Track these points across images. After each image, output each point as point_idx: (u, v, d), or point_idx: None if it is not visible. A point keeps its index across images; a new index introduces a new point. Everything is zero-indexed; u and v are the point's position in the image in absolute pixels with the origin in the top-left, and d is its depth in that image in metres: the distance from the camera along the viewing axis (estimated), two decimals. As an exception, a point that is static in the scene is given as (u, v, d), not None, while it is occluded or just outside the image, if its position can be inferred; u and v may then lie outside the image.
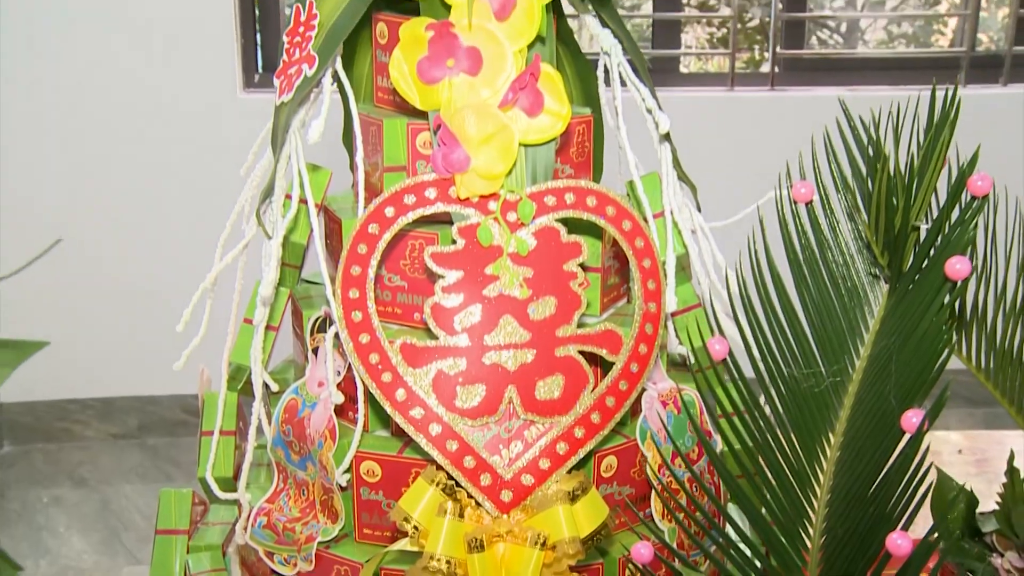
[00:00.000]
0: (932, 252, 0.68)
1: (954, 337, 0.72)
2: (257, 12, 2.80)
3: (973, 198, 0.68)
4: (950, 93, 0.71)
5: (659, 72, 2.96)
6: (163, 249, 2.76)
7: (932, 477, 0.68)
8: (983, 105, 2.90)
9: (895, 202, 0.68)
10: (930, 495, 0.84)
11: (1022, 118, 2.85)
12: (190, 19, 2.65)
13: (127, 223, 2.76)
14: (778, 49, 2.94)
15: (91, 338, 2.77)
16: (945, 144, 0.69)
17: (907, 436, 0.64)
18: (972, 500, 0.94)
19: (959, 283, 0.65)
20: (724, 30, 2.95)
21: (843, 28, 3.68)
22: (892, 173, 0.69)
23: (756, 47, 3.44)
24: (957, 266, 0.64)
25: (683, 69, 3.17)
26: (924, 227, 0.69)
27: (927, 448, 0.60)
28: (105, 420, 3.02)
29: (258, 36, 2.83)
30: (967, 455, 1.44)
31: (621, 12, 3.23)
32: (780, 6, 2.90)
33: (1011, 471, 0.88)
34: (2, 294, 2.47)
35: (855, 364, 0.71)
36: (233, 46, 2.71)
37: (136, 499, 2.72)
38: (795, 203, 0.74)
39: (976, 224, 0.67)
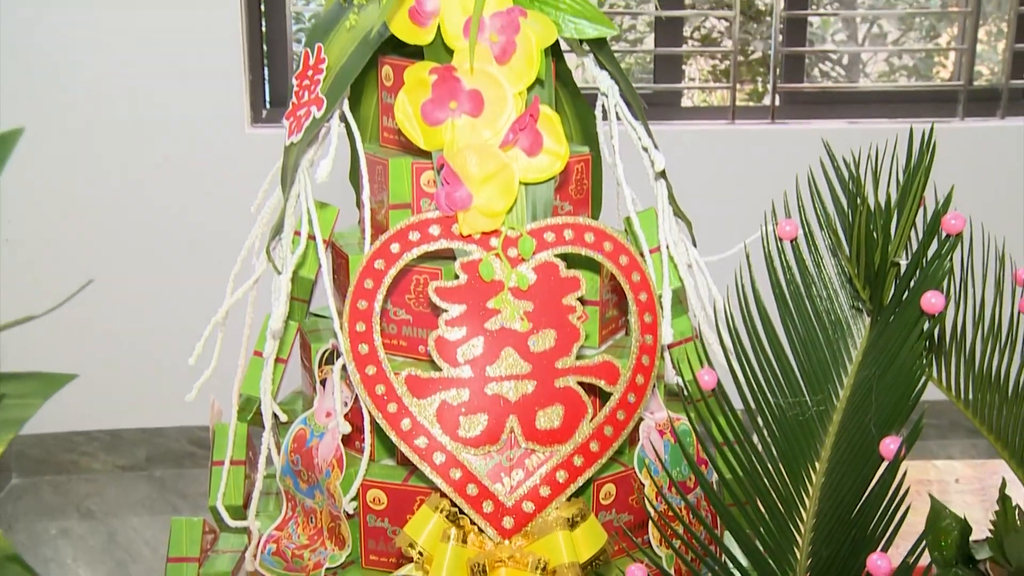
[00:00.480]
0: (910, 286, 0.72)
1: (933, 366, 0.75)
2: (265, 48, 2.84)
3: (947, 235, 0.72)
4: (926, 133, 0.75)
5: (661, 105, 3.00)
6: (170, 282, 2.79)
7: (911, 500, 0.71)
8: (981, 138, 2.94)
9: (875, 237, 0.72)
10: (925, 522, 0.87)
11: (1020, 150, 2.88)
12: (199, 55, 2.69)
13: (134, 257, 2.79)
14: (779, 83, 2.98)
15: (98, 371, 2.80)
16: (922, 183, 0.73)
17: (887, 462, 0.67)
18: (965, 528, 0.96)
19: (935, 316, 0.68)
20: (727, 62, 2.99)
21: (845, 60, 3.71)
22: (872, 210, 0.72)
23: (759, 79, 3.48)
24: (932, 300, 0.68)
25: (685, 102, 3.21)
26: (903, 263, 0.72)
27: (904, 472, 0.63)
28: (112, 452, 3.04)
29: (266, 72, 2.87)
30: (964, 484, 1.47)
31: (623, 46, 3.27)
32: (780, 40, 2.94)
33: (1003, 499, 0.91)
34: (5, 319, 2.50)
35: (839, 394, 0.74)
36: (242, 82, 2.74)
37: (143, 531, 2.73)
38: (780, 240, 0.78)
39: (951, 259, 0.71)
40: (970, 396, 0.74)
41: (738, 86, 2.99)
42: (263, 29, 2.83)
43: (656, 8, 3.00)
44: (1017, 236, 2.84)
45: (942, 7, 3.46)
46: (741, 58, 3.47)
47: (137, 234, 2.78)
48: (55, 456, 2.98)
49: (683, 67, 3.38)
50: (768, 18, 2.97)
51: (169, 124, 2.72)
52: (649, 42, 3.29)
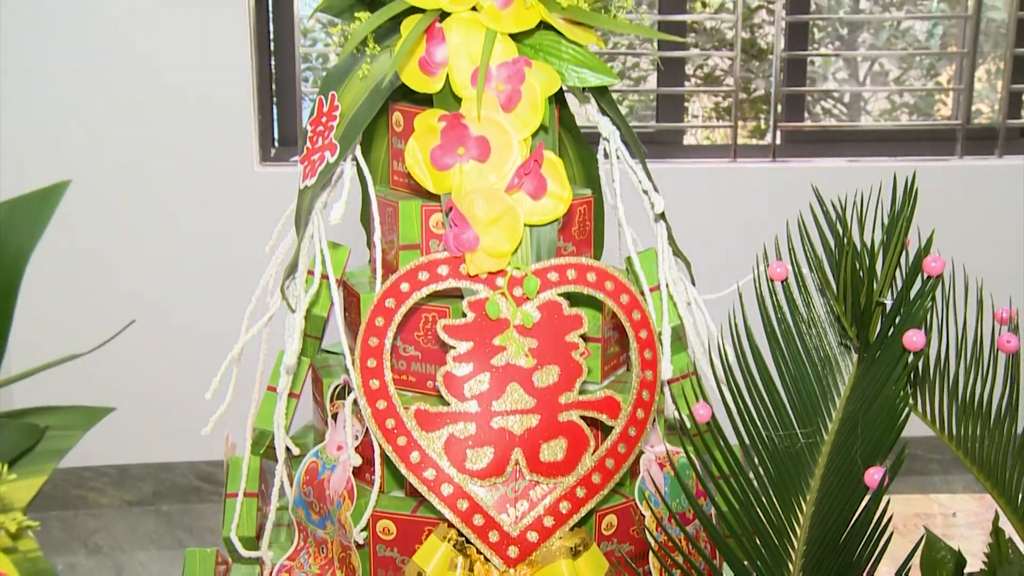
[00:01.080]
0: (895, 325, 0.75)
1: (918, 400, 0.79)
2: (274, 87, 2.89)
3: (929, 277, 0.75)
4: (909, 180, 0.79)
5: (663, 144, 3.04)
6: (178, 319, 2.82)
7: (910, 533, 0.74)
8: (979, 176, 2.98)
9: (862, 276, 0.76)
10: (919, 555, 0.90)
11: (1017, 188, 2.92)
12: (210, 95, 2.73)
13: (141, 293, 2.82)
14: (779, 121, 3.02)
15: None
16: (904, 228, 0.76)
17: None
18: (960, 560, 0.99)
19: (917, 352, 0.72)
20: (729, 100, 3.04)
21: (847, 98, 3.75)
22: (859, 250, 0.76)
23: (762, 116, 3.52)
24: (914, 339, 0.71)
25: (688, 140, 3.25)
26: (888, 302, 0.76)
27: (888, 501, 0.67)
28: (120, 487, 3.05)
29: (275, 111, 2.92)
30: (963, 518, 1.50)
31: (627, 84, 3.31)
32: (781, 79, 2.98)
33: (996, 531, 0.94)
34: (13, 362, 2.53)
35: (828, 427, 0.78)
36: (251, 121, 2.79)
37: (150, 566, 2.75)
38: (772, 281, 0.82)
39: (934, 297, 0.74)
40: (953, 427, 0.78)
41: (741, 123, 3.03)
42: (272, 70, 2.88)
43: (657, 49, 3.05)
44: (1015, 271, 2.87)
45: (941, 47, 3.51)
46: (744, 95, 3.52)
47: (146, 270, 2.81)
48: (63, 491, 3.00)
49: (686, 104, 3.42)
50: (770, 56, 3.01)
51: (180, 162, 2.76)
52: (652, 81, 3.34)
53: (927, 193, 2.91)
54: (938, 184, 2.94)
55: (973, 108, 3.32)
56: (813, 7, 3.25)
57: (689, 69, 3.58)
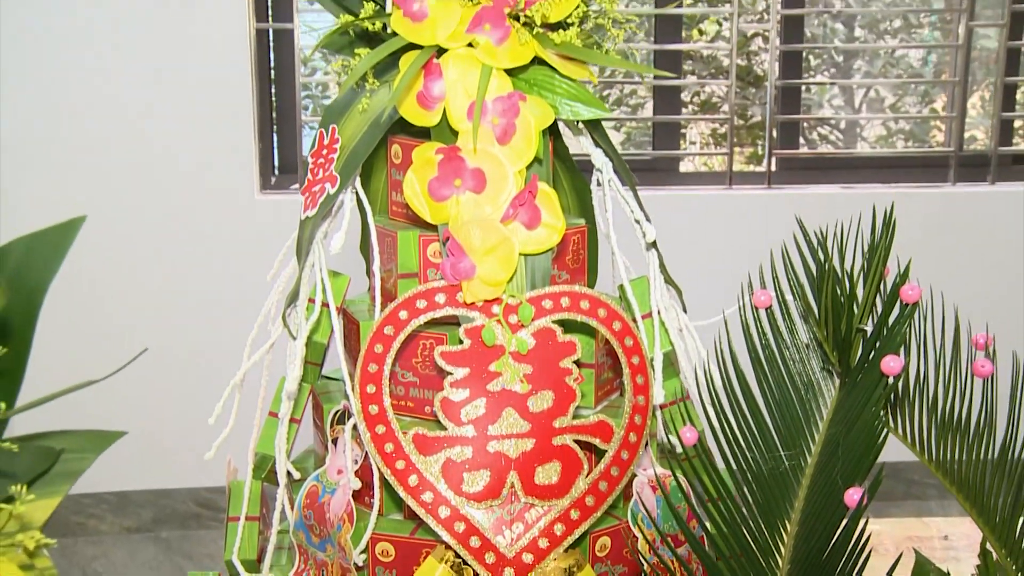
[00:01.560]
0: (874, 350, 0.78)
1: (899, 422, 0.82)
2: (275, 116, 2.92)
3: (905, 304, 0.78)
4: (888, 212, 0.82)
5: (660, 171, 3.07)
6: (178, 345, 2.84)
7: (902, 556, 0.77)
8: (972, 202, 3.01)
9: (842, 302, 0.79)
10: None
11: (1009, 215, 2.95)
12: (211, 123, 2.76)
13: (142, 319, 2.85)
14: (774, 148, 3.05)
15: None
16: (882, 258, 0.79)
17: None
18: (950, 582, 1.02)
19: (896, 376, 0.75)
20: (726, 126, 3.07)
21: (843, 124, 3.79)
22: (840, 276, 0.79)
23: (759, 142, 3.56)
24: (891, 364, 0.74)
25: (685, 166, 3.28)
26: (868, 329, 0.79)
27: (867, 520, 0.70)
28: (119, 514, 3.06)
29: (275, 139, 2.95)
30: (956, 540, 1.52)
31: (625, 111, 3.35)
32: (775, 107, 3.01)
33: (984, 553, 0.96)
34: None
35: (811, 449, 0.80)
36: (252, 150, 2.82)
37: (149, 593, 2.76)
38: (756, 308, 0.85)
39: (909, 325, 0.77)
40: (932, 446, 0.80)
41: (739, 149, 3.06)
42: (273, 99, 2.92)
43: (653, 77, 3.08)
44: (1007, 296, 2.90)
45: (935, 75, 3.55)
46: (741, 121, 3.55)
47: (145, 297, 2.84)
48: (63, 518, 3.01)
49: (684, 131, 3.45)
50: (766, 84, 3.05)
51: (181, 190, 2.79)
52: (649, 107, 3.37)
53: (921, 219, 2.95)
54: (931, 210, 2.97)
55: (968, 135, 3.35)
56: (808, 35, 3.29)
57: (686, 96, 3.62)
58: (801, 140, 3.28)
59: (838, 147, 3.73)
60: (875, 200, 2.94)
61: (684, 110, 3.46)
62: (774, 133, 3.04)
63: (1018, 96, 3.25)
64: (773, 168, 3.06)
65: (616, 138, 3.64)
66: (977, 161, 3.09)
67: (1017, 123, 3.25)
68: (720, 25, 3.61)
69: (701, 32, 3.74)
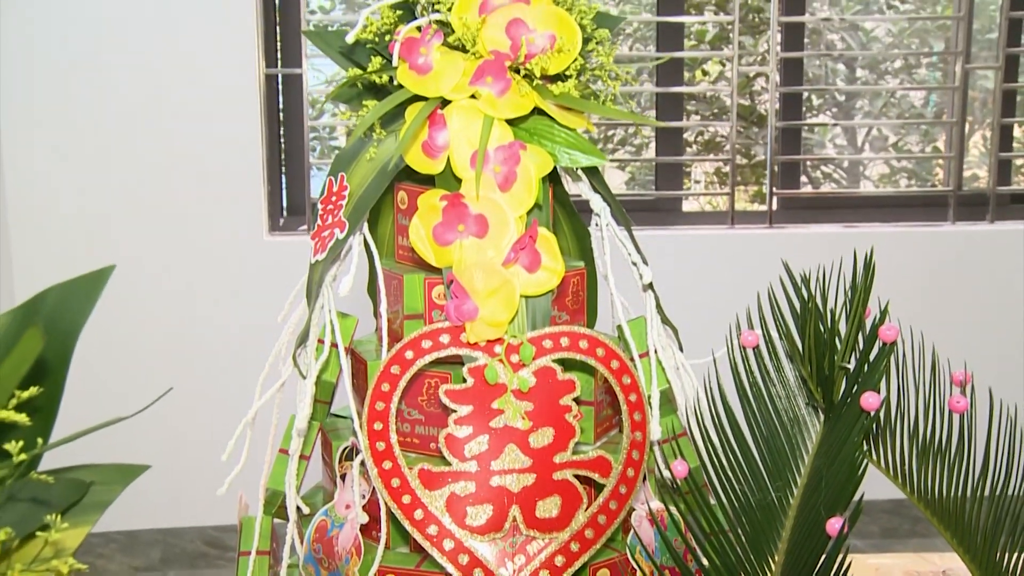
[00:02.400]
0: (856, 387, 0.82)
1: (881, 453, 0.86)
2: (283, 158, 2.98)
3: (884, 344, 0.82)
4: (869, 254, 0.86)
5: (662, 211, 3.12)
6: (186, 384, 2.88)
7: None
8: (971, 241, 3.05)
9: (825, 341, 0.83)
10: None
11: (1008, 253, 2.99)
12: (221, 166, 2.82)
13: (151, 360, 2.88)
14: (775, 188, 3.09)
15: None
16: (863, 299, 0.83)
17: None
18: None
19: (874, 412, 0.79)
20: (729, 166, 3.12)
21: (845, 163, 3.83)
22: (825, 316, 0.83)
23: (763, 181, 3.61)
24: (869, 400, 0.78)
25: (688, 205, 3.32)
26: (851, 366, 0.83)
27: (848, 548, 0.73)
28: (128, 553, 3.08)
29: (284, 181, 3.00)
30: (952, 574, 1.55)
31: (628, 151, 3.39)
32: (776, 147, 3.06)
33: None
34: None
35: (797, 482, 0.84)
36: (261, 192, 2.87)
37: (157, 633, 2.77)
38: (744, 348, 0.89)
39: (895, 362, 0.82)
40: (913, 473, 0.84)
41: (743, 188, 3.10)
42: (282, 142, 2.97)
43: (656, 119, 3.13)
44: (1005, 333, 2.93)
45: (936, 115, 3.60)
46: (745, 160, 3.60)
47: (155, 336, 2.88)
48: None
49: (688, 170, 3.50)
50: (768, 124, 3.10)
51: (191, 232, 2.84)
52: (653, 147, 3.43)
53: (921, 257, 2.99)
54: (931, 248, 3.02)
55: (969, 174, 3.40)
56: (810, 75, 3.34)
57: (690, 136, 3.67)
58: (805, 178, 3.32)
59: (841, 185, 3.77)
60: (876, 239, 2.99)
61: (688, 149, 3.51)
62: (776, 172, 3.08)
63: (1017, 134, 3.30)
64: (775, 207, 3.11)
65: (620, 178, 3.69)
66: (976, 200, 3.14)
67: (1019, 161, 3.30)
68: (724, 66, 3.66)
69: (705, 73, 3.80)
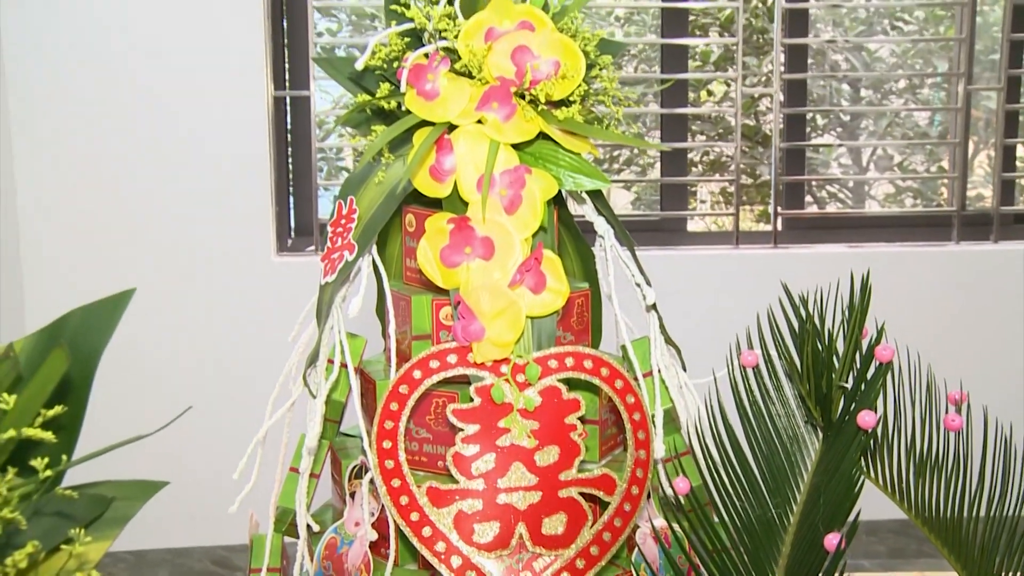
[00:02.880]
0: (854, 405, 0.84)
1: (878, 471, 0.88)
2: (291, 179, 3.00)
3: (880, 364, 0.84)
4: (866, 275, 0.88)
5: (667, 231, 3.14)
6: (197, 404, 2.89)
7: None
8: (975, 261, 3.06)
9: (823, 361, 0.85)
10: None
11: (1012, 273, 3.01)
12: (229, 187, 2.84)
13: (162, 379, 2.90)
14: (780, 208, 3.11)
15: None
16: (859, 319, 0.85)
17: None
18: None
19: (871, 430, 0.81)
20: (734, 186, 3.14)
21: (851, 183, 3.85)
22: (823, 336, 0.85)
23: (769, 201, 3.62)
24: (866, 418, 0.80)
25: (693, 226, 3.34)
26: (848, 386, 0.85)
27: (844, 563, 0.75)
28: (136, 573, 3.09)
29: (291, 202, 3.03)
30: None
31: (634, 171, 3.41)
32: (780, 168, 3.08)
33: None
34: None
35: (796, 498, 0.86)
36: (269, 213, 2.90)
37: (165, 653, 2.78)
38: (744, 368, 0.91)
39: (885, 382, 0.84)
40: (910, 489, 0.86)
41: (749, 207, 3.12)
42: (289, 163, 3.00)
43: (661, 140, 3.16)
44: (1008, 352, 2.94)
45: (940, 135, 3.62)
46: (751, 180, 3.62)
47: (164, 356, 2.90)
48: (81, 576, 3.04)
49: (694, 190, 3.52)
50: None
51: (201, 252, 2.86)
52: (658, 167, 3.45)
53: (925, 277, 3.00)
54: (935, 268, 3.03)
55: (974, 193, 3.42)
56: (814, 96, 3.36)
57: (696, 155, 3.69)
58: (810, 198, 3.34)
59: (847, 204, 3.79)
60: (880, 258, 3.01)
61: (693, 169, 3.53)
62: (780, 192, 3.10)
63: (1021, 154, 3.31)
64: (779, 227, 3.12)
65: (627, 198, 3.71)
66: (980, 220, 3.15)
67: (1023, 182, 3.31)
68: (728, 86, 3.69)
69: (710, 93, 3.82)
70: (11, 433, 0.76)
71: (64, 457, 0.80)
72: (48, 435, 0.77)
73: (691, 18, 3.18)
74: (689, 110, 3.17)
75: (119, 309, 0.76)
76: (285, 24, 2.92)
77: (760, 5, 3.62)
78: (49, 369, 0.78)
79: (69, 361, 0.78)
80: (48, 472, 0.77)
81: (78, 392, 0.85)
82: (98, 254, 2.83)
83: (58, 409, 0.79)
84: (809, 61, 3.15)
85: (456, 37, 1.10)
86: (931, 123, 3.79)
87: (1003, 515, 0.88)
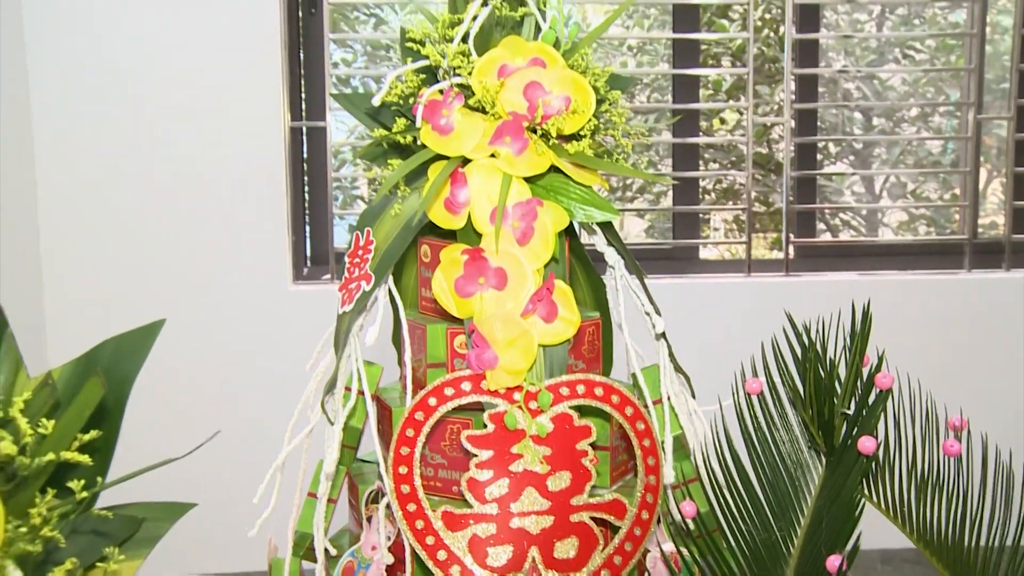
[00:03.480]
0: (855, 430, 0.87)
1: (881, 495, 0.90)
2: (307, 209, 3.04)
3: (880, 391, 0.87)
4: (867, 306, 0.90)
5: (680, 260, 3.15)
6: (212, 430, 2.92)
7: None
8: (986, 289, 3.07)
9: (825, 387, 0.87)
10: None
11: (1023, 301, 3.02)
12: (246, 218, 2.88)
13: (181, 407, 2.93)
14: (792, 236, 3.13)
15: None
16: (860, 349, 0.88)
17: None
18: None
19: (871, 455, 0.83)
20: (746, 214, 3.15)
21: (864, 211, 3.87)
22: (824, 363, 0.88)
23: (783, 229, 3.64)
24: (866, 444, 0.83)
25: (705, 253, 3.35)
26: (850, 412, 0.87)
27: (845, 585, 0.78)
28: (155, 598, 3.10)
29: (307, 231, 3.06)
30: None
31: (646, 201, 3.43)
32: (792, 197, 3.10)
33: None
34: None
35: (800, 521, 0.89)
36: (285, 243, 2.93)
37: None
38: (749, 395, 0.93)
39: (886, 408, 0.86)
40: (912, 508, 0.88)
41: (762, 235, 3.13)
42: (306, 192, 3.04)
43: (673, 168, 3.18)
44: (1020, 379, 2.94)
45: (953, 163, 3.63)
46: (764, 208, 3.64)
47: (183, 384, 2.93)
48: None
49: (707, 217, 3.53)
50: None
51: (218, 282, 2.90)
52: (670, 195, 3.47)
53: (936, 305, 3.00)
54: (947, 296, 3.04)
55: (988, 221, 3.43)
56: (826, 123, 3.39)
57: (709, 183, 3.72)
58: (823, 226, 3.35)
59: (860, 232, 3.80)
60: (892, 286, 3.01)
61: (706, 197, 3.55)
62: (792, 220, 3.12)
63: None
64: (791, 255, 3.14)
65: (640, 226, 3.74)
66: (993, 248, 3.16)
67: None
68: (740, 115, 3.72)
69: (722, 121, 3.85)
70: (50, 456, 0.80)
71: (99, 479, 0.83)
72: (85, 458, 0.81)
73: (703, 47, 3.22)
74: (701, 140, 3.20)
75: (150, 339, 0.80)
76: (302, 56, 2.96)
77: (772, 35, 3.65)
78: (86, 396, 0.81)
79: (105, 389, 0.82)
80: (84, 493, 0.81)
81: (112, 417, 0.88)
82: (117, 282, 2.86)
83: (94, 434, 0.84)
84: (821, 90, 3.17)
85: (470, 74, 1.14)
86: (944, 151, 3.80)
87: (1003, 541, 0.90)
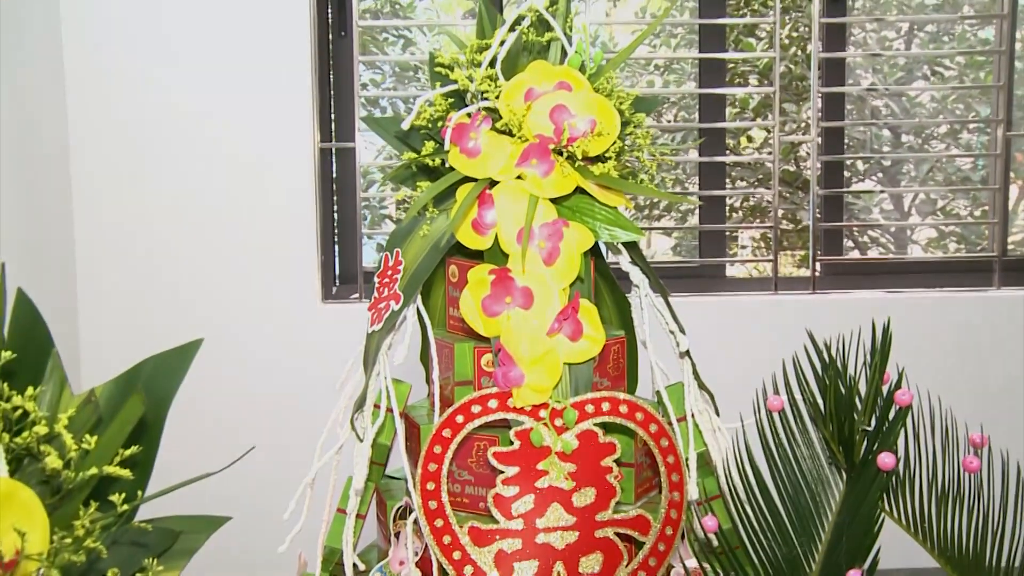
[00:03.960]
0: (876, 446, 0.88)
1: (902, 510, 0.91)
2: (336, 229, 3.07)
3: (900, 407, 0.88)
4: (887, 324, 0.92)
5: (706, 278, 3.16)
6: (243, 448, 2.94)
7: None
8: (1016, 306, 3.07)
9: (846, 404, 0.89)
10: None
11: (1053, 317, 3.01)
12: (276, 238, 2.91)
13: (209, 425, 2.96)
14: (819, 254, 3.13)
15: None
16: (880, 366, 0.89)
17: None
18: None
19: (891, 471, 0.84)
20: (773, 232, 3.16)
21: (893, 228, 3.86)
22: (845, 380, 0.89)
23: (810, 247, 3.64)
24: (886, 460, 0.84)
25: (732, 271, 3.36)
26: (870, 428, 0.89)
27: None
28: (186, 612, 3.12)
29: (336, 250, 3.09)
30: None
31: (673, 220, 3.44)
32: (818, 215, 3.10)
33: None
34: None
35: (821, 536, 0.90)
36: (314, 262, 2.96)
37: None
38: (770, 412, 0.95)
39: (905, 425, 0.88)
40: (932, 523, 0.90)
41: (790, 252, 3.13)
42: (335, 212, 3.07)
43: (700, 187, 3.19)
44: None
45: (983, 180, 3.63)
46: (791, 226, 3.65)
47: (214, 402, 2.96)
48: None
49: (734, 235, 3.54)
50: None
51: (248, 301, 2.93)
52: (697, 213, 3.48)
53: (965, 322, 3.00)
54: (976, 313, 3.04)
55: (1019, 237, 3.42)
56: (855, 140, 3.39)
57: (736, 201, 3.73)
58: (851, 243, 3.35)
59: (889, 250, 3.80)
60: (920, 304, 3.01)
61: (733, 215, 3.56)
62: (819, 238, 3.12)
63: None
64: (819, 273, 3.14)
65: (667, 244, 3.75)
66: (1022, 265, 3.15)
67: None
68: (768, 133, 3.73)
69: (750, 139, 3.86)
70: (93, 470, 0.83)
71: (139, 492, 0.87)
72: (126, 472, 0.84)
73: (730, 66, 3.23)
74: (728, 158, 3.21)
75: (188, 358, 0.83)
76: (332, 77, 3.00)
77: (799, 53, 3.67)
78: (127, 413, 0.84)
79: (145, 406, 0.85)
80: (125, 506, 0.84)
81: (151, 433, 0.91)
82: (149, 301, 2.90)
83: (134, 449, 0.87)
84: (848, 107, 3.18)
85: (497, 97, 1.16)
86: (974, 167, 3.80)
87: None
